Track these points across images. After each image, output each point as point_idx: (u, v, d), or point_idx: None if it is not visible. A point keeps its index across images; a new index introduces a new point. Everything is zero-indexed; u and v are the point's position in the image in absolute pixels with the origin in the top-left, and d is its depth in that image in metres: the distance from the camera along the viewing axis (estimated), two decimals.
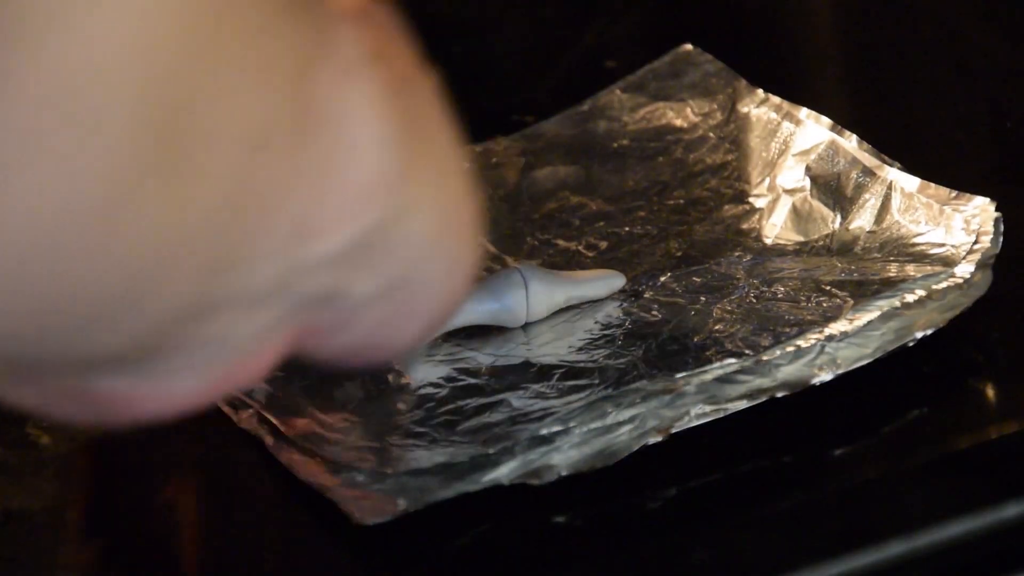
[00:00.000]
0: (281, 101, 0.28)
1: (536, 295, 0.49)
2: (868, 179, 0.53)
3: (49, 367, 0.30)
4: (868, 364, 0.47)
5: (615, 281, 0.51)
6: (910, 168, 0.53)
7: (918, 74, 0.62)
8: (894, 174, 0.53)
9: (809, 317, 0.49)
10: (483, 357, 0.49)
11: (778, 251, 0.53)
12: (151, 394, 0.31)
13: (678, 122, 0.59)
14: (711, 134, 0.58)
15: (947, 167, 0.54)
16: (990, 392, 0.48)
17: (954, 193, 0.51)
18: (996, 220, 0.50)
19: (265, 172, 0.28)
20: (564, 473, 0.44)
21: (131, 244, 0.27)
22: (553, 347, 0.49)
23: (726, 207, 0.55)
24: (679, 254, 0.54)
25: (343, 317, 0.32)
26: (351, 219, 0.30)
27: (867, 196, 0.53)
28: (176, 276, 0.28)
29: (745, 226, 0.55)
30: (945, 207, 0.51)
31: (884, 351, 0.47)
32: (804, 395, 0.46)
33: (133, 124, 0.26)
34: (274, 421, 0.46)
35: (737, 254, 0.53)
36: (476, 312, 0.49)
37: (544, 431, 0.45)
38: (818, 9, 0.68)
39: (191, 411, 0.32)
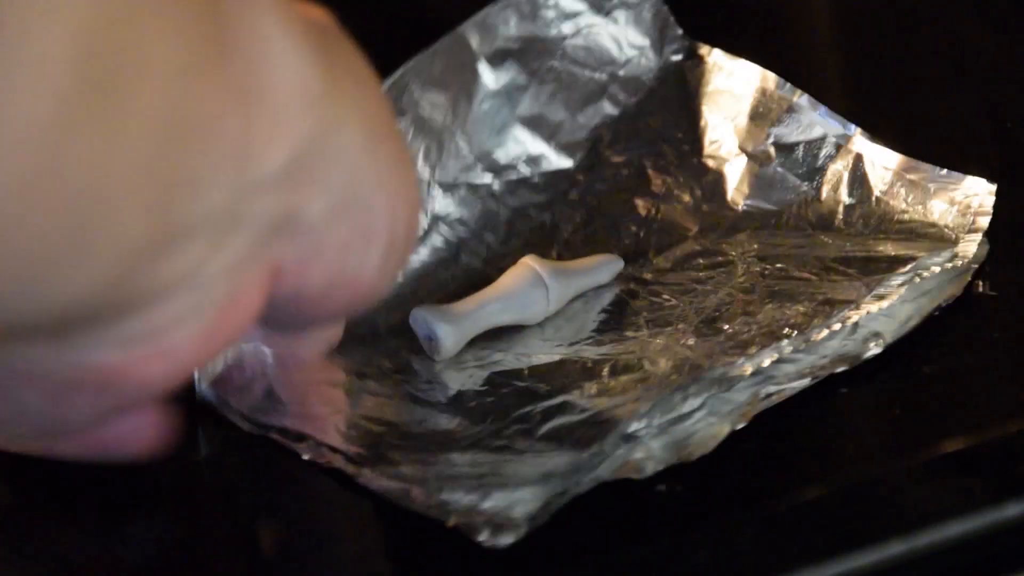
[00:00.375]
0: (197, 26, 0.29)
1: (554, 291, 0.50)
2: (837, 150, 0.53)
3: (26, 329, 0.30)
4: (866, 362, 0.47)
5: (616, 266, 0.51)
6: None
7: (918, 74, 0.62)
8: (867, 146, 0.53)
9: (834, 295, 0.49)
10: (513, 359, 0.49)
11: (754, 221, 0.53)
12: (150, 356, 0.31)
13: (613, 50, 0.57)
14: (646, 78, 0.57)
15: (948, 167, 0.54)
16: (990, 392, 0.48)
17: (943, 171, 0.52)
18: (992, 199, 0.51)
19: (195, 96, 0.29)
20: (659, 468, 0.44)
21: (75, 178, 0.27)
22: (581, 342, 0.49)
23: (685, 167, 0.55)
24: (656, 225, 0.53)
25: (308, 246, 0.33)
26: (285, 134, 0.31)
27: (838, 167, 0.53)
28: (125, 208, 0.28)
29: (710, 190, 0.54)
30: (931, 185, 0.52)
31: (912, 324, 0.48)
32: (802, 393, 0.46)
33: (67, 58, 0.27)
34: (345, 449, 0.45)
35: (716, 224, 0.53)
36: (499, 315, 0.50)
37: (629, 429, 0.44)
38: (817, 9, 0.68)
39: (197, 367, 0.32)
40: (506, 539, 0.42)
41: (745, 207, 0.54)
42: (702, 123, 0.56)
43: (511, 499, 0.42)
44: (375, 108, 0.34)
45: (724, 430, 0.45)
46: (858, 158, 0.53)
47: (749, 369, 0.46)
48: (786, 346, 0.47)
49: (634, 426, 0.45)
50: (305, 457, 0.45)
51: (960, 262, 0.49)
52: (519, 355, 0.49)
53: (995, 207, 0.51)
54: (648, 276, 0.52)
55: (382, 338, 0.49)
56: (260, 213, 0.31)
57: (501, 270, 0.52)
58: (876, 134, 0.54)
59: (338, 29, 0.34)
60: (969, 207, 0.51)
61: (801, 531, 0.44)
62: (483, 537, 0.42)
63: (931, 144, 0.56)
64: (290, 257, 0.33)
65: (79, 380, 0.31)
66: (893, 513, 0.44)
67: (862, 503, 0.45)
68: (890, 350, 0.48)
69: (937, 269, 0.49)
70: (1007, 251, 0.51)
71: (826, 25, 0.67)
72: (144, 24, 0.28)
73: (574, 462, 0.44)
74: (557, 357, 0.49)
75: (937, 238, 0.50)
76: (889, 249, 0.50)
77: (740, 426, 0.45)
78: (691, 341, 0.48)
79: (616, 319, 0.50)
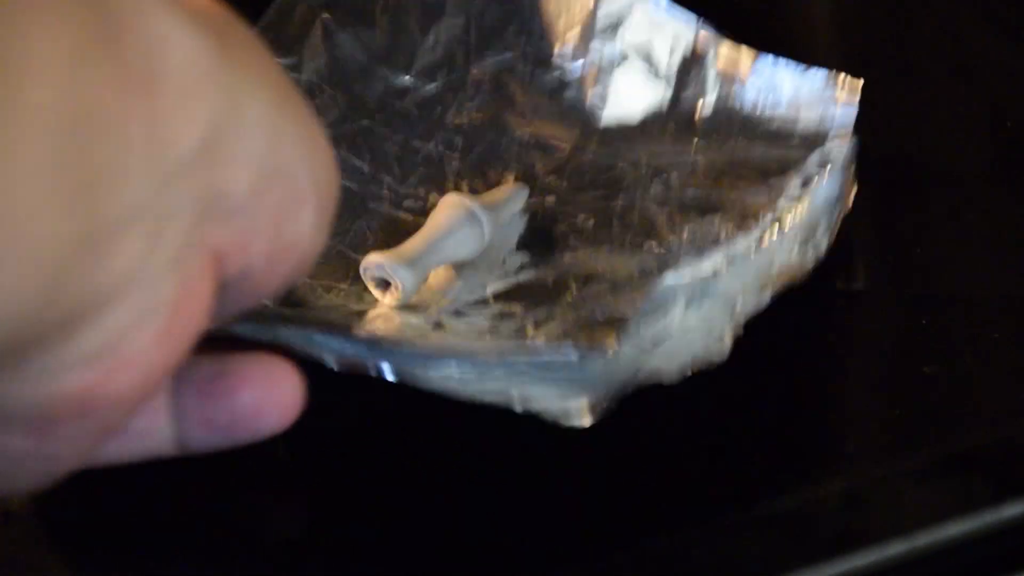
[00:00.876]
0: (78, 14, 0.28)
1: (487, 224, 0.50)
2: (691, 51, 0.53)
3: None
4: (866, 363, 0.47)
5: (523, 193, 0.52)
6: (906, 165, 0.52)
7: (918, 74, 0.62)
8: (722, 45, 0.53)
9: (746, 201, 0.49)
10: (467, 293, 0.48)
11: (622, 131, 0.53)
12: (116, 369, 0.30)
13: None
14: None
15: (947, 168, 0.54)
16: (990, 392, 0.48)
17: (803, 67, 0.52)
18: (855, 89, 0.51)
19: (90, 86, 0.28)
20: (677, 378, 0.44)
21: None
22: (526, 268, 0.49)
23: (541, 80, 0.54)
24: (533, 144, 0.53)
25: (243, 223, 0.32)
26: (193, 114, 0.30)
27: (694, 69, 0.53)
28: (37, 214, 0.27)
29: (570, 102, 0.54)
30: (792, 83, 0.51)
31: (832, 232, 0.49)
32: (802, 393, 0.46)
33: None
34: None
35: (588, 138, 0.53)
36: (447, 253, 0.49)
37: (639, 326, 0.44)
38: (817, 10, 0.68)
39: (166, 370, 0.31)
40: (581, 421, 0.42)
41: (608, 117, 0.53)
42: (547, 32, 0.55)
43: (564, 405, 0.42)
44: (274, 74, 0.33)
45: (727, 337, 0.45)
46: (712, 58, 0.52)
47: (724, 264, 0.46)
48: (741, 246, 0.47)
49: (640, 324, 0.44)
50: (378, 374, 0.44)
51: (840, 159, 0.49)
52: (470, 289, 0.49)
53: (862, 101, 0.51)
54: (551, 200, 0.51)
55: (321, 296, 0.49)
56: (187, 198, 0.30)
57: (410, 210, 0.52)
58: (875, 134, 0.54)
59: (221, 5, 0.33)
60: (835, 101, 0.51)
61: (801, 531, 0.44)
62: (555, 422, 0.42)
63: (931, 143, 0.56)
64: (228, 238, 0.32)
65: (54, 411, 0.30)
66: (893, 513, 0.44)
67: (862, 503, 0.45)
68: (890, 349, 0.48)
69: (827, 168, 0.49)
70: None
71: (826, 23, 0.67)
72: (20, 17, 0.27)
73: (603, 369, 0.43)
74: (512, 284, 0.49)
75: (808, 136, 0.50)
76: (770, 152, 0.50)
77: (739, 333, 0.45)
78: (636, 257, 0.49)
79: (545, 244, 0.50)
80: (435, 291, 0.49)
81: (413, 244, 0.49)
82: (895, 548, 0.43)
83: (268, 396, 0.35)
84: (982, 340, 0.49)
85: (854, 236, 0.52)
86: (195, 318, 0.32)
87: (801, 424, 0.47)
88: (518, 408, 0.43)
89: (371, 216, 0.52)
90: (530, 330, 0.46)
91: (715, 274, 0.46)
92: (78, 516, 0.46)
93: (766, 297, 0.47)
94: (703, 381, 0.46)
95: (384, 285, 0.49)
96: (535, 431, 0.45)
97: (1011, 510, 0.44)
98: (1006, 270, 0.51)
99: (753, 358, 0.48)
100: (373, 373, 0.43)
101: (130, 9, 0.29)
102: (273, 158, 0.32)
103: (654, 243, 0.49)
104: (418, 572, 0.44)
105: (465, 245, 0.50)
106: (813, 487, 0.45)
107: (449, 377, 0.43)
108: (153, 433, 0.35)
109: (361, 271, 0.49)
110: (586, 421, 0.43)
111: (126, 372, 0.30)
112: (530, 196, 0.52)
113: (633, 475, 0.44)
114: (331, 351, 0.44)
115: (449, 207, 0.50)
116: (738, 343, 0.48)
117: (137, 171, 0.29)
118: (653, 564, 0.43)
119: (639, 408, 0.46)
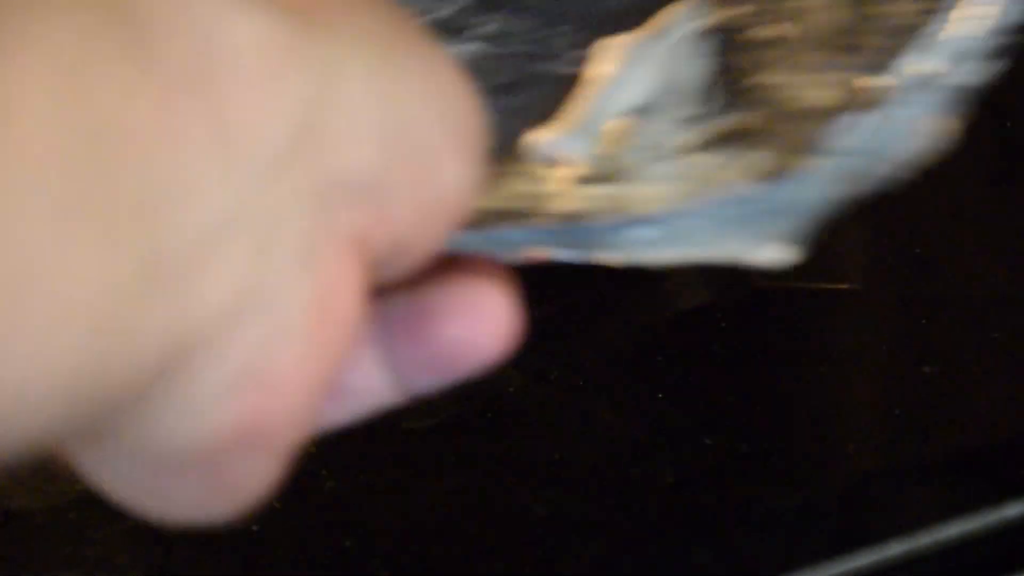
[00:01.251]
0: (84, 17, 0.25)
1: (652, 59, 0.47)
2: None
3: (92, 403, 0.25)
4: (866, 363, 0.47)
5: (690, 17, 0.48)
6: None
7: None
8: None
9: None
10: (651, 145, 0.46)
11: None
12: (262, 397, 0.27)
13: None
14: None
15: (947, 168, 0.54)
16: (990, 392, 0.48)
17: None
18: None
19: (111, 89, 0.25)
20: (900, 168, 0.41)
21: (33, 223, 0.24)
22: (712, 104, 0.46)
23: None
24: None
25: (377, 197, 0.29)
26: (274, 99, 0.27)
27: None
28: (72, 247, 0.24)
29: None
30: None
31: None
32: (802, 393, 0.46)
33: None
34: None
35: None
36: (613, 104, 0.47)
37: (841, 139, 0.41)
38: None
39: (329, 381, 0.28)
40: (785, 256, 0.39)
41: None
42: None
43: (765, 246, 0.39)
44: (378, 21, 0.30)
45: (943, 123, 0.41)
46: None
47: (927, 52, 0.42)
48: (934, 30, 0.43)
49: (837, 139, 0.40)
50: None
51: None
52: (653, 140, 0.46)
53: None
54: (724, 19, 0.48)
55: (493, 187, 0.46)
56: (297, 193, 0.27)
57: (572, 65, 0.49)
58: None
59: None
60: None
61: (801, 531, 0.44)
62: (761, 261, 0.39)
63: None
64: (365, 218, 0.29)
65: (217, 446, 0.27)
66: (893, 513, 0.44)
67: (862, 503, 0.45)
68: (889, 349, 0.48)
69: None
70: (1011, 254, 0.51)
71: None
72: (5, 16, 0.24)
73: (804, 193, 0.40)
74: (698, 126, 0.46)
75: None
76: None
77: (962, 114, 0.42)
78: (832, 68, 0.45)
79: (730, 72, 0.47)
80: (614, 151, 0.46)
81: (574, 108, 0.47)
82: (895, 548, 0.43)
83: (477, 327, 0.32)
84: (982, 340, 0.49)
85: (854, 236, 0.52)
86: (346, 312, 0.28)
87: (801, 424, 0.47)
88: (718, 259, 0.39)
89: (530, 82, 0.49)
90: (721, 174, 0.43)
91: (919, 68, 0.42)
92: (78, 515, 0.46)
93: (980, 73, 0.42)
94: (703, 380, 0.46)
95: (554, 161, 0.46)
96: (536, 431, 0.45)
97: (1011, 510, 0.44)
98: (1006, 270, 0.51)
99: (753, 358, 0.48)
100: (557, 258, 0.40)
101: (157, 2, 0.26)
102: (395, 118, 0.29)
103: (847, 49, 0.46)
104: (419, 572, 0.44)
105: (633, 91, 0.47)
106: (813, 487, 0.45)
107: (636, 241, 0.40)
108: (373, 389, 0.32)
109: (525, 154, 0.46)
110: (792, 255, 0.39)
111: (281, 388, 0.28)
112: (698, 19, 0.49)
113: (633, 475, 0.44)
114: (509, 246, 0.40)
115: (603, 55, 0.48)
116: (737, 344, 0.48)
117: (212, 179, 0.26)
118: (653, 564, 0.43)
119: (639, 408, 0.46)
